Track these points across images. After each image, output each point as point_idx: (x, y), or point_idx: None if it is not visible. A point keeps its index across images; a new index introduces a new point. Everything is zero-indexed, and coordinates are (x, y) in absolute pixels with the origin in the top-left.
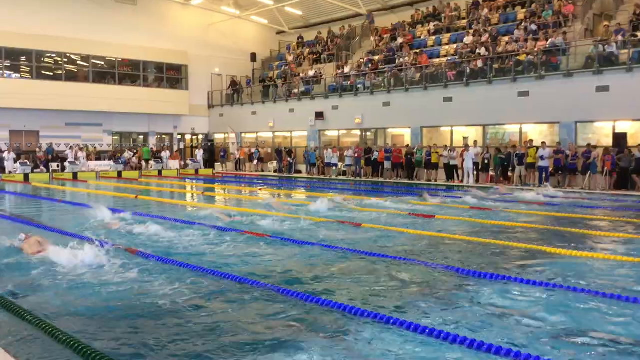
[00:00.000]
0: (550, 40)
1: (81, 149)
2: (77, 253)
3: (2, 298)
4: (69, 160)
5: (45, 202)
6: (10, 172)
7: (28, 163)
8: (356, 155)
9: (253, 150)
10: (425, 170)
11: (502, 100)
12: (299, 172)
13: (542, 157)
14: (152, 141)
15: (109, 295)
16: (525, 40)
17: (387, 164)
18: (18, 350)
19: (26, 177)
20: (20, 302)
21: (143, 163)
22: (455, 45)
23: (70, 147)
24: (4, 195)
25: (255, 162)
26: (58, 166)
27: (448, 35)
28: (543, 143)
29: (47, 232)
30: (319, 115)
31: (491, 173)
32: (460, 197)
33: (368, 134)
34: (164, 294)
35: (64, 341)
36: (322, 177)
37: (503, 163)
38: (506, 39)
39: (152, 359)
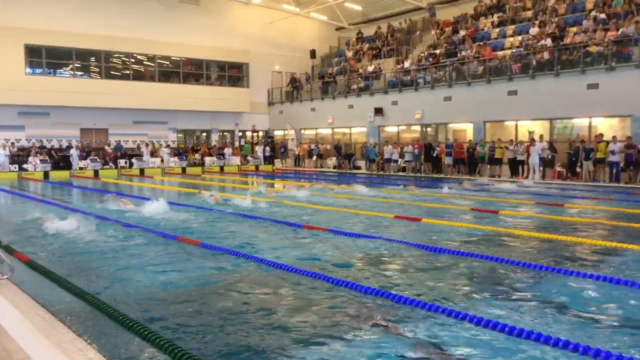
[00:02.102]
0: (621, 30)
1: (163, 146)
2: (141, 241)
3: (65, 281)
4: (144, 157)
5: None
6: (81, 168)
7: (98, 160)
8: (416, 151)
9: (312, 146)
10: (489, 166)
11: (570, 93)
12: (358, 168)
13: (612, 152)
14: (215, 138)
15: (172, 282)
16: (594, 31)
17: (448, 160)
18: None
19: (96, 173)
20: (82, 284)
21: (206, 159)
22: (520, 37)
23: (146, 143)
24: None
25: (315, 158)
26: (126, 162)
27: (512, 26)
28: (614, 137)
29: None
30: (378, 111)
31: (558, 169)
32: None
33: (428, 129)
34: (222, 284)
35: (134, 330)
36: (381, 173)
37: (571, 158)
38: (574, 29)
39: (209, 344)
